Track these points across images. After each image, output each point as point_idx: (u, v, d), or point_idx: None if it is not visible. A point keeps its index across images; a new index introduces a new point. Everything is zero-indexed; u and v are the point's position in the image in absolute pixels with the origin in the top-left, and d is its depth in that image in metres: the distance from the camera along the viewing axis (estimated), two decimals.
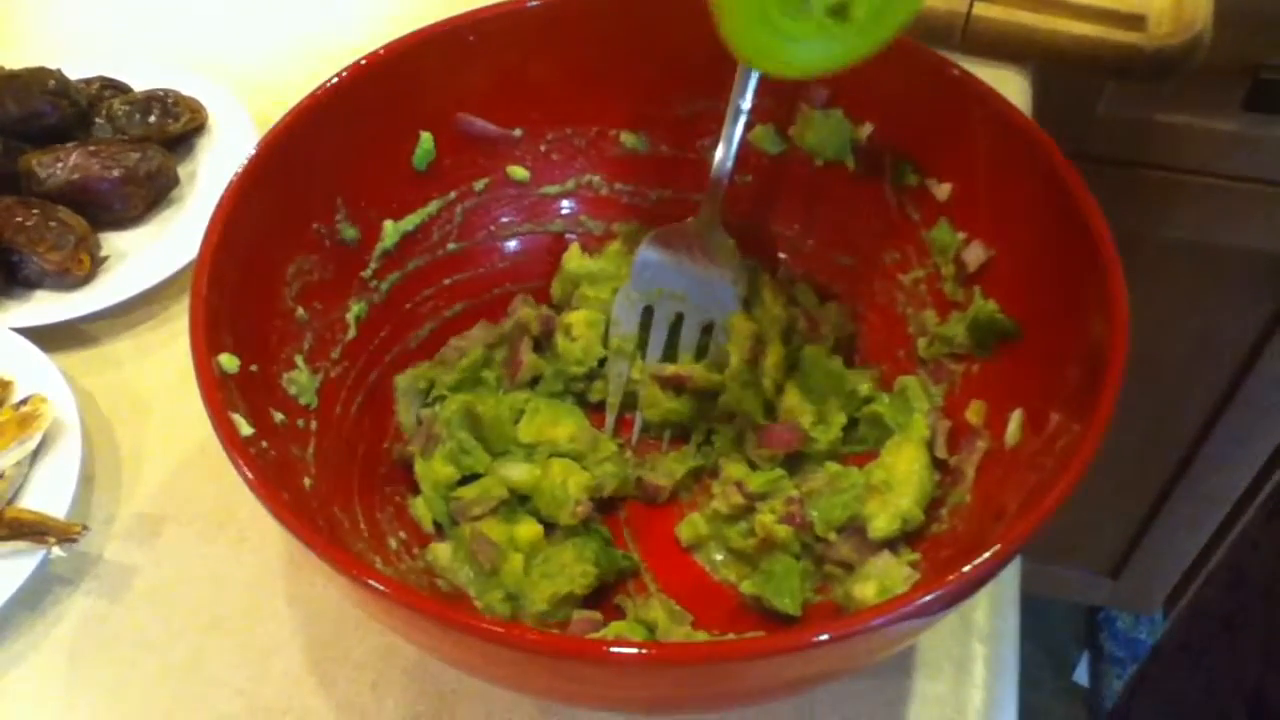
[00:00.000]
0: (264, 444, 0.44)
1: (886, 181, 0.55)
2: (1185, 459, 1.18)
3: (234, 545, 0.54)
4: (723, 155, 0.55)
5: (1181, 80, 0.70)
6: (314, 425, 0.50)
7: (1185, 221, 0.96)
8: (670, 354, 0.57)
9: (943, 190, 0.54)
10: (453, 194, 0.57)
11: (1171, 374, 1.07)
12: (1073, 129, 0.89)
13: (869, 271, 0.57)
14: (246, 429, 0.43)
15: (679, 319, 0.57)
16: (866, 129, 0.55)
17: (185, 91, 0.71)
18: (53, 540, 0.52)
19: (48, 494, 0.54)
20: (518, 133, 0.58)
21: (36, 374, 0.58)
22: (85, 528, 0.53)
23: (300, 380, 0.50)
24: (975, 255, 0.52)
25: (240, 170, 0.48)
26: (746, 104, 0.53)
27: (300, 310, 0.51)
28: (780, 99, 0.56)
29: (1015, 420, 0.48)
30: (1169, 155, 0.92)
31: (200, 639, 0.51)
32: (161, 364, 0.62)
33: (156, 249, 0.65)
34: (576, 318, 0.57)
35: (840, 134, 0.55)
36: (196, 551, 0.54)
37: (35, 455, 0.55)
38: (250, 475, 0.39)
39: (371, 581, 0.36)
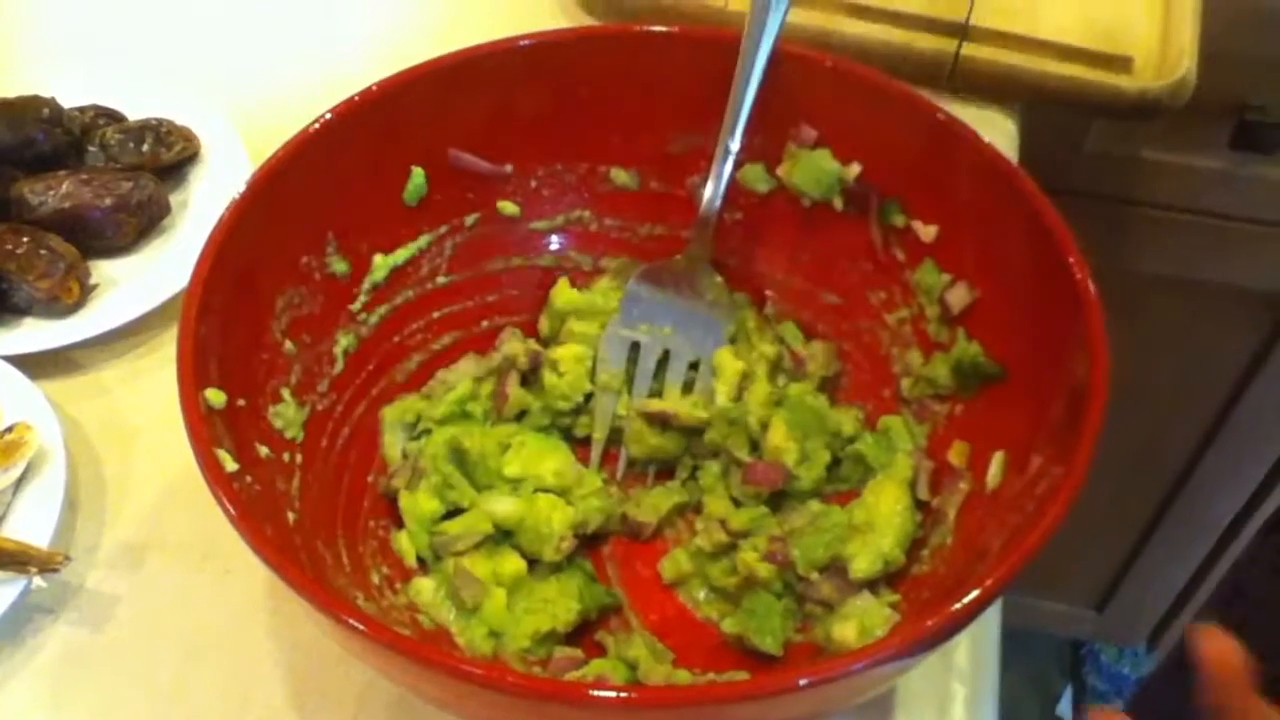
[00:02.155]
0: (248, 479, 0.44)
1: (873, 222, 0.56)
2: (1172, 490, 1.18)
3: (218, 576, 0.54)
4: (711, 193, 0.55)
5: (1168, 119, 0.71)
6: (299, 459, 0.50)
7: (1172, 257, 0.97)
8: (657, 390, 0.57)
9: (928, 232, 0.54)
10: (443, 228, 0.58)
11: (1159, 406, 1.07)
12: (1060, 165, 0.90)
13: (855, 311, 0.57)
14: (231, 465, 0.43)
15: (666, 355, 0.57)
16: (854, 169, 0.56)
17: (179, 120, 0.71)
18: (34, 570, 0.52)
19: (31, 522, 0.54)
20: (508, 169, 0.58)
21: (22, 401, 0.57)
22: (67, 558, 0.52)
23: (286, 414, 0.50)
24: (959, 297, 0.53)
25: (231, 204, 0.48)
26: (735, 144, 0.54)
27: (288, 343, 0.51)
28: (769, 139, 0.56)
29: (997, 462, 0.48)
30: (1156, 192, 0.93)
31: (182, 670, 0.51)
32: (149, 392, 0.62)
33: (147, 277, 0.65)
34: (564, 352, 0.57)
35: (828, 174, 0.56)
36: (180, 581, 0.54)
37: (19, 483, 0.55)
38: (233, 511, 0.39)
39: (350, 620, 0.36)
